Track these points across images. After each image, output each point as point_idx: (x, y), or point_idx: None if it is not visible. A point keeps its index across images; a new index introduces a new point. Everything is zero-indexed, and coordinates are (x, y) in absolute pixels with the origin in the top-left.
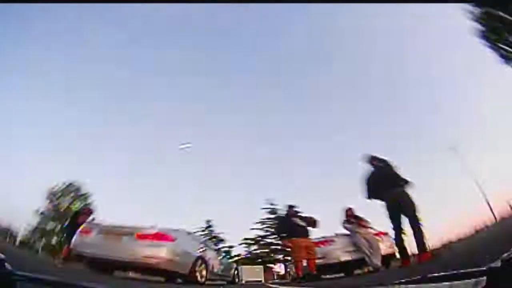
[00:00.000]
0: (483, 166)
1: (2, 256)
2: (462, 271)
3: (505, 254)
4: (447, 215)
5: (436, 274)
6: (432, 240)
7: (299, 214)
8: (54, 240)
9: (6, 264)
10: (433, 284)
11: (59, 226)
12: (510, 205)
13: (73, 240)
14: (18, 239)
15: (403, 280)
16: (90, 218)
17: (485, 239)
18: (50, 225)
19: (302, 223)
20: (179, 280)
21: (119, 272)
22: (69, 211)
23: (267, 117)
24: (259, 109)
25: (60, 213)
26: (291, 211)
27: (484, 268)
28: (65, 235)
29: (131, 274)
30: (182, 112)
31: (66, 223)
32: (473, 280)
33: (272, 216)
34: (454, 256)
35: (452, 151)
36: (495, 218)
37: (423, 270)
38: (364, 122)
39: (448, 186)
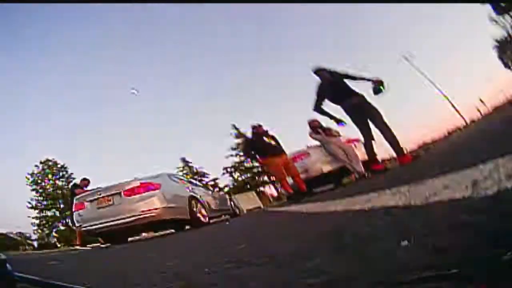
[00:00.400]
0: (438, 71)
1: (3, 256)
2: (460, 270)
3: (506, 254)
4: (415, 122)
5: (431, 274)
6: (407, 145)
7: (267, 132)
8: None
9: (7, 264)
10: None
11: (57, 211)
12: (476, 108)
13: (74, 219)
14: (35, 241)
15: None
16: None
17: (461, 138)
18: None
19: (272, 141)
20: (187, 227)
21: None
22: (58, 191)
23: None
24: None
25: (52, 196)
26: (258, 129)
27: (484, 268)
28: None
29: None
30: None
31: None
32: (472, 280)
33: (240, 140)
34: (435, 156)
35: (404, 59)
36: (464, 119)
37: (406, 171)
38: (313, 33)
39: (408, 94)
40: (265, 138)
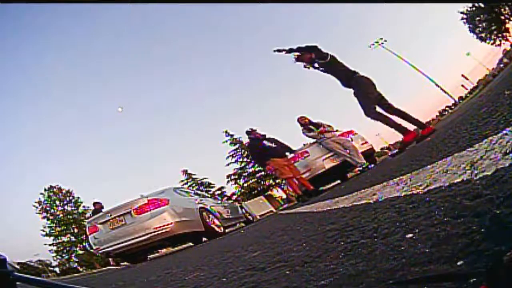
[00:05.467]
0: (416, 53)
1: (3, 256)
2: (459, 271)
3: (506, 254)
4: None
5: (431, 274)
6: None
7: (265, 136)
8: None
9: (7, 264)
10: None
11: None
12: (462, 85)
13: (90, 243)
14: (56, 267)
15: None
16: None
17: (456, 115)
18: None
19: (272, 144)
20: (204, 239)
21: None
22: (69, 216)
23: None
24: None
25: (64, 221)
26: (254, 133)
27: (484, 269)
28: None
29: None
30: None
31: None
32: (472, 280)
33: (236, 146)
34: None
35: (378, 45)
36: (452, 97)
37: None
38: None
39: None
40: (265, 142)
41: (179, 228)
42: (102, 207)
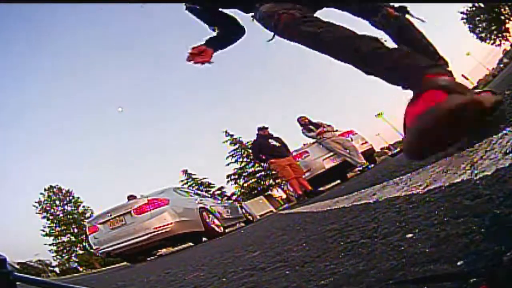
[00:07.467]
0: None
1: (3, 256)
2: (459, 271)
3: (506, 255)
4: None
5: (431, 274)
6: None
7: (272, 135)
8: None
9: (7, 264)
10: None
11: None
12: (463, 75)
13: (90, 243)
14: (56, 267)
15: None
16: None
17: None
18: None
19: (277, 143)
20: (204, 239)
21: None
22: (69, 216)
23: None
24: None
25: (64, 221)
26: (264, 131)
27: (484, 269)
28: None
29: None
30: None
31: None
32: (472, 280)
33: (236, 146)
34: None
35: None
36: None
37: None
38: None
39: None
40: (270, 140)
41: (179, 228)
42: None
